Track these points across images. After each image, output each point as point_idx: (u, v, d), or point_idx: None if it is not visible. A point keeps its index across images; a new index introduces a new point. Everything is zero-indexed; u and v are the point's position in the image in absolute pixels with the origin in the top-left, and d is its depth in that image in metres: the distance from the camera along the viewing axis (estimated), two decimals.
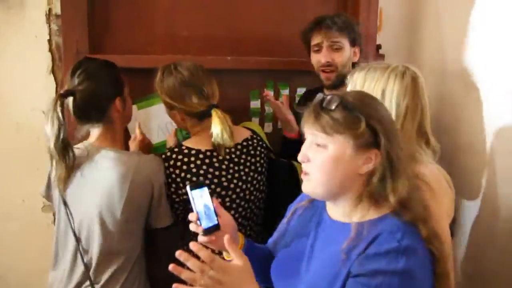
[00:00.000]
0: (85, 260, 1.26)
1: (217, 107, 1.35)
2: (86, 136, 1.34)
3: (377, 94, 1.10)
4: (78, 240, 1.26)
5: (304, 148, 0.92)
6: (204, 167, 1.35)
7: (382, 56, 1.84)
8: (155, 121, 1.73)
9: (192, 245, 0.83)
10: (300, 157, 0.92)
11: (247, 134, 1.47)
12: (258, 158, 1.45)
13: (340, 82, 1.53)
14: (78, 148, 1.29)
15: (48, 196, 1.42)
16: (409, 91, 1.10)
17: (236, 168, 1.39)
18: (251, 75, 1.79)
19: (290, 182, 1.50)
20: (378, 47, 1.84)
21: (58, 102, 1.19)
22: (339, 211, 0.93)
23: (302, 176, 0.93)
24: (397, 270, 0.79)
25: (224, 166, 1.37)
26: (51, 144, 1.20)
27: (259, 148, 1.46)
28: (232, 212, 1.39)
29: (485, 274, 1.47)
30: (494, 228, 1.43)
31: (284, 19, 1.82)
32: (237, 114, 1.71)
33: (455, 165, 1.53)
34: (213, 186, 1.36)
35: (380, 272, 0.79)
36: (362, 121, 0.86)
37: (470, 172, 1.53)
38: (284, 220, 1.09)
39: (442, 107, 1.68)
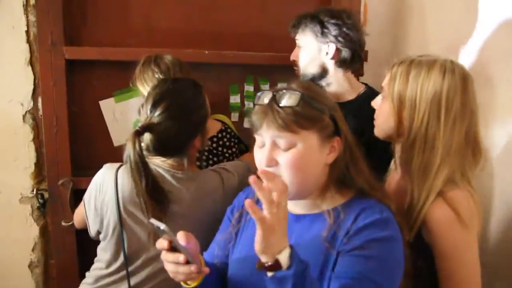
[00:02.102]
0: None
1: None
2: None
3: (425, 94, 0.98)
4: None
5: (267, 152, 0.85)
6: None
7: (365, 52, 1.81)
8: (133, 114, 1.72)
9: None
10: (266, 162, 0.85)
11: (219, 125, 1.48)
12: (233, 149, 1.47)
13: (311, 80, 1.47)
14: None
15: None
16: (459, 91, 0.97)
17: (216, 159, 1.41)
18: (230, 69, 1.77)
19: None
20: None
21: (136, 141, 1.07)
22: (304, 205, 0.93)
23: None
24: (386, 236, 0.83)
25: (204, 157, 1.38)
26: (140, 192, 1.09)
27: (232, 139, 1.48)
28: None
29: None
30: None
31: (265, 13, 1.79)
32: (216, 109, 1.71)
33: None
34: None
35: (371, 241, 0.82)
36: (326, 112, 0.86)
37: None
38: (229, 228, 1.03)
39: None
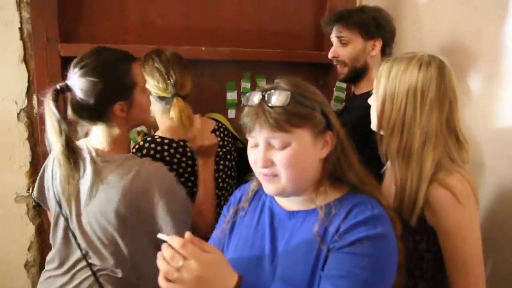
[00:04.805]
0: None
1: (183, 97, 1.36)
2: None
3: (402, 87, 1.05)
4: (80, 247, 1.18)
5: (262, 153, 0.85)
6: (178, 156, 1.37)
7: None
8: None
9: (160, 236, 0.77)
10: (262, 163, 0.85)
11: (213, 124, 1.49)
12: (228, 148, 1.48)
13: (355, 76, 1.54)
14: (81, 149, 1.19)
15: (41, 199, 1.33)
16: (435, 82, 1.03)
17: None
18: (228, 66, 1.78)
19: None
20: None
21: (52, 97, 1.09)
22: (298, 201, 0.92)
23: (268, 179, 0.87)
24: (377, 234, 0.82)
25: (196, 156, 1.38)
26: (54, 145, 1.09)
27: (226, 138, 1.49)
28: None
29: None
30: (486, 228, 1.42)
31: (262, 10, 1.80)
32: (214, 105, 1.71)
33: None
34: (186, 175, 1.37)
35: (362, 239, 0.81)
36: (317, 109, 0.86)
37: None
38: (223, 225, 1.04)
39: None
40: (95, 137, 1.20)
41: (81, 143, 1.21)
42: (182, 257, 0.72)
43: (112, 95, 1.15)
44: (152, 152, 1.34)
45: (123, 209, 1.14)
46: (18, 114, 1.66)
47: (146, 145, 1.35)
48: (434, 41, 1.65)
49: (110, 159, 1.17)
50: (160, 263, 0.73)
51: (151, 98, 1.37)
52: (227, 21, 1.76)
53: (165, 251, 0.74)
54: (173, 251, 0.73)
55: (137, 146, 1.37)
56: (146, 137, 1.41)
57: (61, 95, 1.12)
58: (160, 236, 0.79)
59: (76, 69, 1.12)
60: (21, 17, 1.61)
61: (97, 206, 1.15)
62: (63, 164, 1.11)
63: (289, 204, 0.94)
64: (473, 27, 1.45)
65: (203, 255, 0.74)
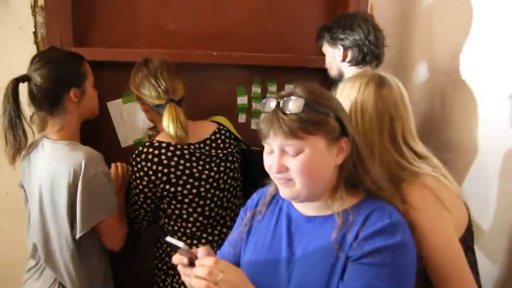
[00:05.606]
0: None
1: (176, 102, 1.39)
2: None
3: (346, 106, 1.04)
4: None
5: (276, 159, 0.86)
6: (175, 158, 1.39)
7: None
8: (140, 115, 1.72)
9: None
10: (276, 169, 0.87)
11: (213, 127, 1.51)
12: (229, 150, 1.49)
13: (336, 83, 1.56)
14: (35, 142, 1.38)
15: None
16: (372, 99, 1.04)
17: (208, 159, 1.44)
18: (238, 70, 1.78)
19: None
20: None
21: (11, 86, 1.26)
22: (315, 207, 0.93)
23: (282, 182, 0.89)
24: (396, 243, 0.82)
25: (194, 158, 1.41)
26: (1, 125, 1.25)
27: (227, 140, 1.50)
28: (208, 201, 1.44)
29: None
30: (482, 225, 1.41)
31: (272, 15, 1.80)
32: (224, 110, 1.72)
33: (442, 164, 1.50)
34: (184, 177, 1.40)
35: (381, 249, 0.81)
36: (331, 116, 0.86)
37: (457, 171, 1.50)
38: (240, 228, 1.06)
39: (430, 104, 1.67)
40: (49, 127, 1.35)
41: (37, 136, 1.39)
42: (220, 271, 0.75)
43: (68, 81, 1.32)
44: (150, 156, 1.38)
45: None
46: (31, 117, 1.68)
47: (145, 149, 1.39)
48: (444, 45, 1.64)
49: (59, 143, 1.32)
50: (198, 282, 0.76)
51: (149, 107, 1.43)
52: (238, 25, 1.77)
53: (199, 269, 0.76)
54: (209, 267, 0.75)
55: (136, 151, 1.41)
56: (143, 142, 1.44)
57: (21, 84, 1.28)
58: (168, 239, 0.80)
59: (35, 61, 1.29)
60: (35, 21, 1.63)
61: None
62: (6, 137, 1.27)
63: (305, 209, 0.95)
64: (484, 32, 1.44)
65: (235, 267, 0.79)
